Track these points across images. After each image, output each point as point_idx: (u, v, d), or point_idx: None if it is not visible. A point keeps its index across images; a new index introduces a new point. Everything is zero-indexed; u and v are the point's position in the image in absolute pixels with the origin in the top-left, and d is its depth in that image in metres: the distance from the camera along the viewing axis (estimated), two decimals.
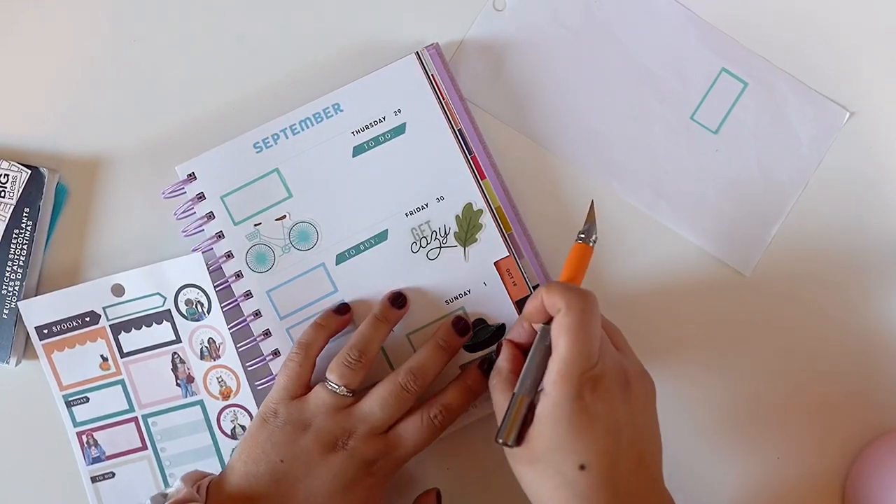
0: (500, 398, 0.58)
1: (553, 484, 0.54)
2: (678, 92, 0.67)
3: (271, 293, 0.65)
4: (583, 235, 0.60)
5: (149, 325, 0.66)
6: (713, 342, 0.67)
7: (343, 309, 0.64)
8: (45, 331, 0.66)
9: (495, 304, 0.65)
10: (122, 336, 0.66)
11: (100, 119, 0.68)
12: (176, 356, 0.66)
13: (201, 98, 0.67)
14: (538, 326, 0.58)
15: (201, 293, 0.65)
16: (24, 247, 0.65)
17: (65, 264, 0.67)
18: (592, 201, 0.61)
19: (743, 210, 0.67)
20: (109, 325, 0.66)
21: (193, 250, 0.65)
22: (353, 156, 0.65)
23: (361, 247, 0.65)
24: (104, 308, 0.66)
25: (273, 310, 0.65)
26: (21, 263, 0.65)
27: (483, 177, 0.65)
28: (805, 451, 0.67)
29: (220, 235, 0.65)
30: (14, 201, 0.66)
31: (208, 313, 0.65)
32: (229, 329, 0.65)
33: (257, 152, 0.65)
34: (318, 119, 0.65)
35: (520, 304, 0.65)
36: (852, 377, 0.67)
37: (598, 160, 0.67)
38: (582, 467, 0.53)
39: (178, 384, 0.66)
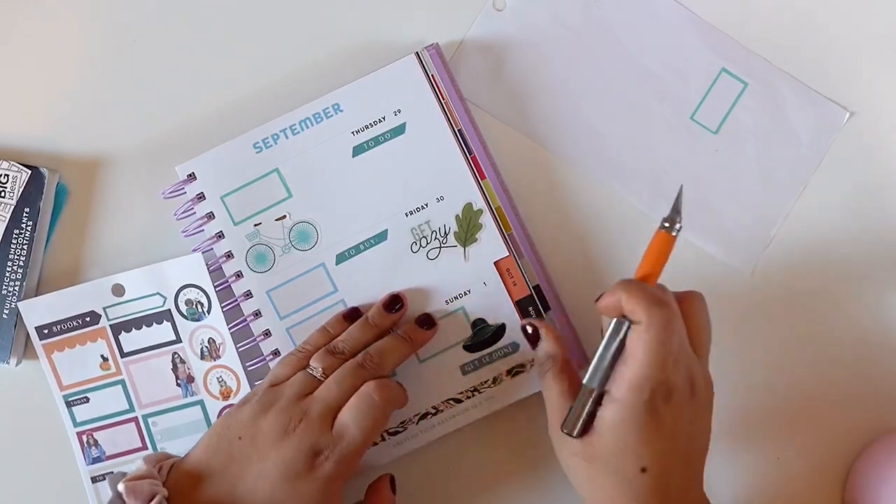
0: (553, 385, 0.59)
1: (611, 482, 0.55)
2: (678, 92, 0.67)
3: (271, 293, 0.65)
4: (667, 224, 0.56)
5: (149, 325, 0.66)
6: (713, 342, 0.67)
7: (352, 314, 0.64)
8: (46, 331, 0.66)
9: (495, 304, 0.65)
10: (123, 336, 0.66)
11: (100, 119, 0.68)
12: (176, 356, 0.66)
13: (201, 98, 0.67)
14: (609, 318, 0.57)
15: (201, 293, 0.65)
16: (24, 247, 0.65)
17: (65, 264, 0.67)
18: (682, 187, 0.57)
19: (743, 210, 0.67)
20: (110, 325, 0.66)
21: (193, 250, 0.65)
22: (353, 156, 0.65)
23: (361, 247, 0.65)
24: (104, 308, 0.66)
25: (273, 310, 0.65)
26: (21, 263, 0.65)
27: (483, 177, 0.65)
28: (805, 451, 0.67)
29: (220, 235, 0.65)
30: (14, 201, 0.66)
31: (208, 313, 0.65)
32: (229, 329, 0.65)
33: (257, 152, 0.65)
34: (318, 119, 0.65)
35: (520, 304, 0.65)
36: (852, 377, 0.67)
37: (598, 160, 0.67)
38: (643, 469, 0.55)
39: (178, 384, 0.66)
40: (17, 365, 0.67)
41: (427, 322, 0.64)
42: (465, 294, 0.65)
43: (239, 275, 0.65)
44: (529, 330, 0.63)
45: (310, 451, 0.57)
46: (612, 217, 0.67)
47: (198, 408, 0.66)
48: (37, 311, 0.66)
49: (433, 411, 0.65)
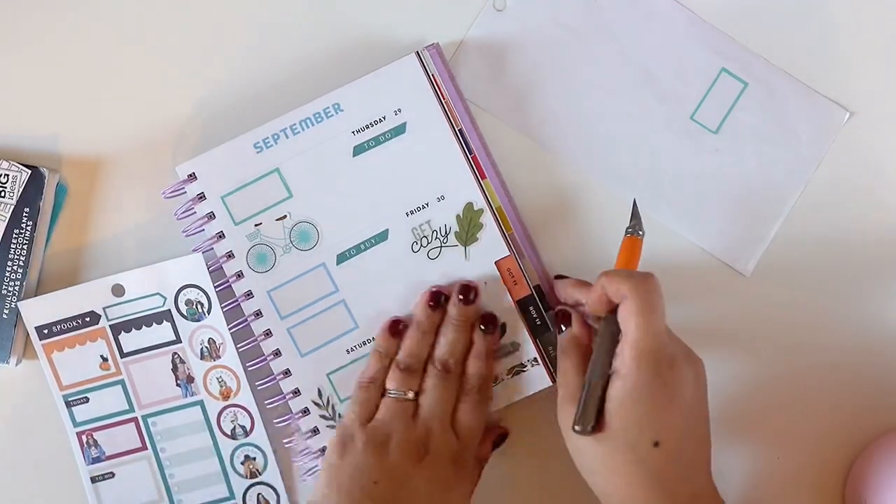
0: (572, 373, 0.59)
1: (624, 459, 0.55)
2: (678, 92, 0.67)
3: (272, 293, 0.65)
4: (630, 230, 0.61)
5: (149, 326, 0.66)
6: (713, 342, 0.67)
7: (394, 327, 0.64)
8: (45, 331, 0.66)
9: (496, 303, 0.65)
10: (122, 336, 0.66)
11: (100, 119, 0.68)
12: (176, 356, 0.66)
13: (201, 98, 0.67)
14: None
15: (201, 293, 0.65)
16: (24, 247, 0.65)
17: (65, 264, 0.67)
18: (634, 200, 0.62)
19: (743, 210, 0.67)
20: (109, 325, 0.66)
21: (194, 250, 0.65)
22: (354, 155, 0.65)
23: (362, 246, 0.65)
24: (104, 308, 0.66)
25: (274, 310, 0.65)
26: (21, 263, 0.65)
27: (483, 176, 0.65)
28: (805, 451, 0.67)
29: (221, 235, 0.65)
30: (14, 201, 0.65)
31: (208, 313, 0.65)
32: (230, 329, 0.65)
33: (258, 152, 0.65)
34: (319, 119, 0.65)
35: (521, 304, 0.65)
36: (852, 377, 0.67)
37: (598, 160, 0.67)
38: (656, 444, 0.55)
39: (178, 384, 0.66)
40: (17, 365, 0.67)
41: (471, 294, 0.64)
42: None
43: (240, 275, 0.65)
44: (559, 316, 0.63)
45: (450, 460, 0.61)
46: (612, 217, 0.67)
47: (198, 408, 0.66)
48: (36, 311, 0.66)
49: None
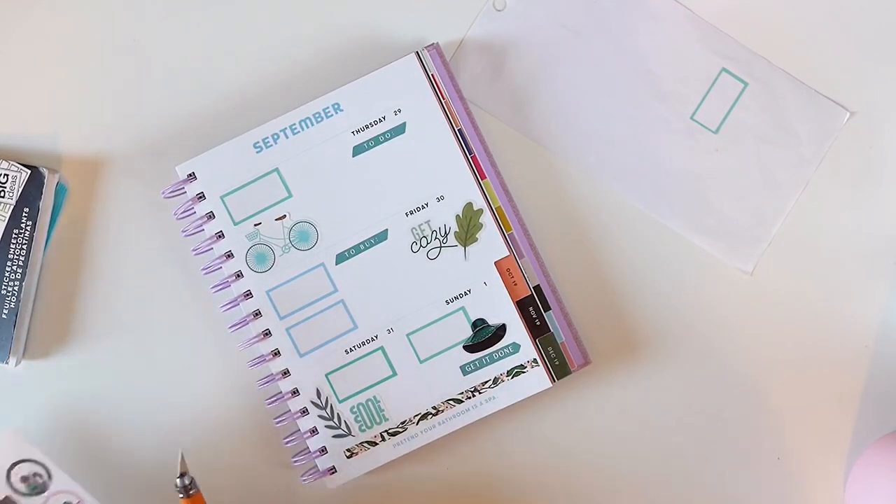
0: None
1: None
2: (678, 92, 0.67)
3: (271, 293, 0.65)
4: (181, 495, 0.61)
5: None
6: (713, 343, 0.67)
7: None
8: None
9: (496, 303, 0.65)
10: None
11: (100, 119, 0.68)
12: None
13: (201, 98, 0.67)
14: None
15: (35, 465, 0.61)
16: (24, 247, 0.65)
17: (64, 264, 0.67)
18: (181, 453, 0.62)
19: (743, 210, 0.67)
20: None
21: (193, 250, 0.65)
22: (353, 155, 0.65)
23: (361, 246, 0.65)
24: None
25: (273, 310, 0.65)
26: (20, 263, 0.65)
27: (483, 176, 0.65)
28: (805, 451, 0.67)
29: (220, 235, 0.65)
30: (14, 201, 0.65)
31: (51, 479, 0.61)
32: (229, 329, 0.65)
33: (257, 152, 0.65)
34: (318, 119, 0.65)
35: (520, 304, 0.65)
36: (853, 377, 0.67)
37: (598, 160, 0.67)
38: None
39: None
40: (16, 365, 0.67)
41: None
42: (466, 294, 0.65)
43: (239, 275, 0.65)
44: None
45: None
46: (612, 217, 0.67)
47: None
48: None
49: (433, 411, 0.65)
